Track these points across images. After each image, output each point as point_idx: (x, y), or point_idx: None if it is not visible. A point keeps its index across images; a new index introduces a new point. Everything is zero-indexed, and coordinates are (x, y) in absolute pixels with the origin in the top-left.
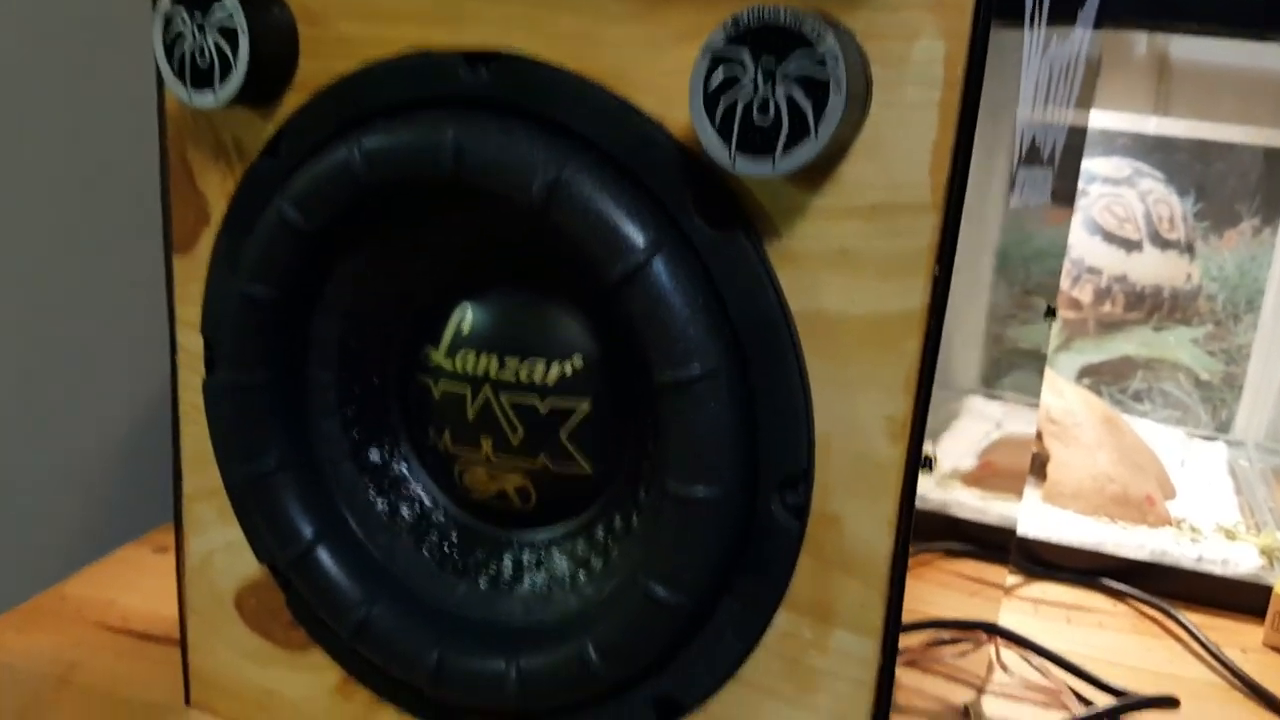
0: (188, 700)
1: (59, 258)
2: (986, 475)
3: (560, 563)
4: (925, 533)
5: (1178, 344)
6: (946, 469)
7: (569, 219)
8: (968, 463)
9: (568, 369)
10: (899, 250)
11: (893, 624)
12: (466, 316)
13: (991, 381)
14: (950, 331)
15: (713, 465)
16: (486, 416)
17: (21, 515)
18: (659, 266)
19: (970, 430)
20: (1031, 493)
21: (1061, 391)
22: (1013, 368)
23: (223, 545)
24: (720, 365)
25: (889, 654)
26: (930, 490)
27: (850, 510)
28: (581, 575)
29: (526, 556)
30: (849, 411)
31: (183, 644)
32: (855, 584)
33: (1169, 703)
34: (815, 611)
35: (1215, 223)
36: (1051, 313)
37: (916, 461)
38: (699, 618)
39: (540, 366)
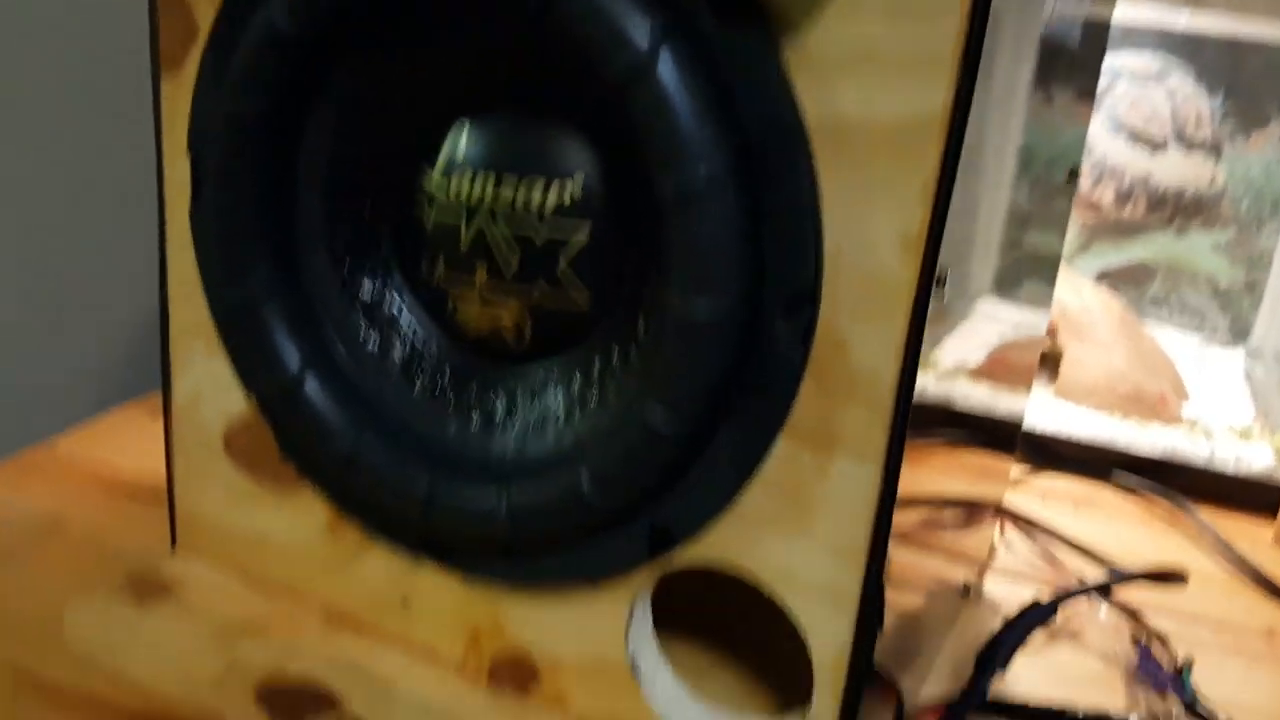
0: (174, 545)
1: (60, 108)
2: (995, 371)
3: (555, 400)
4: (928, 421)
5: (1199, 249)
6: (951, 364)
7: (570, 16)
8: (976, 359)
9: (567, 193)
10: (922, 48)
11: (895, 450)
12: (463, 135)
13: (1006, 285)
14: (967, 232)
15: (716, 280)
16: (481, 245)
17: (17, 372)
18: (665, 65)
19: (981, 330)
20: (1042, 390)
21: (1079, 289)
22: (1029, 272)
23: (210, 382)
24: (727, 172)
25: (890, 481)
26: (934, 383)
27: (857, 332)
28: (577, 412)
29: (520, 394)
30: (861, 225)
31: (169, 486)
32: (859, 409)
33: (1176, 578)
34: (816, 438)
35: (1243, 123)
36: (1074, 176)
37: (929, 280)
38: (696, 446)
39: (539, 188)
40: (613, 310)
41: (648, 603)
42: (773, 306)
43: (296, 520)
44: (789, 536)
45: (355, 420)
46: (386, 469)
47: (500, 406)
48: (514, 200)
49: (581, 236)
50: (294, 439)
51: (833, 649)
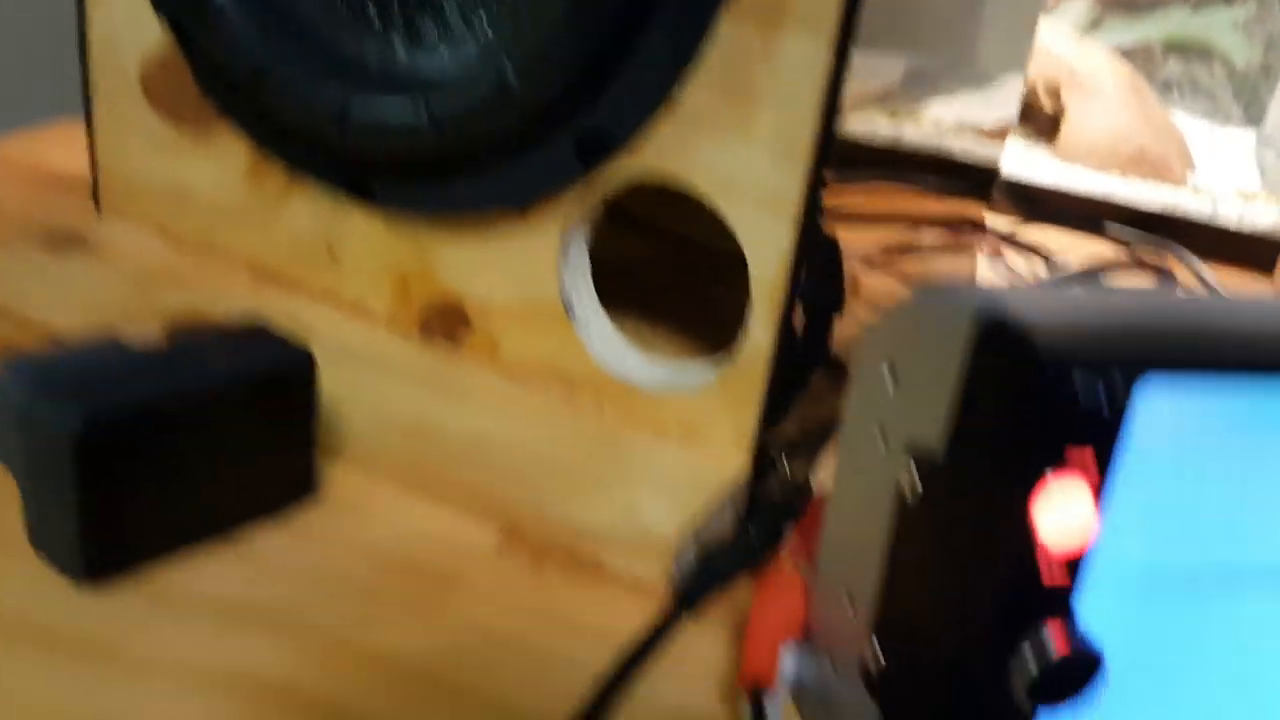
0: (98, 205)
1: None
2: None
3: (487, 18)
4: (909, 166)
5: (1216, 26)
6: (955, 121)
7: None
8: (989, 122)
9: None
10: None
11: (849, 18)
12: None
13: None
14: None
15: None
16: None
17: None
18: None
19: (995, 98)
20: (1041, 148)
21: (1090, 52)
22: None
23: (125, 12)
24: None
25: (840, 60)
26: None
27: None
28: (507, 25)
29: (450, 12)
30: None
31: (90, 141)
32: None
33: (1170, 278)
34: (763, 11)
35: None
36: None
37: None
38: (629, 25)
39: None
40: None
41: (583, 242)
42: None
43: (217, 167)
44: (729, 137)
45: (267, 30)
46: (301, 84)
47: (429, 26)
48: None
49: None
50: (207, 62)
51: (772, 261)
